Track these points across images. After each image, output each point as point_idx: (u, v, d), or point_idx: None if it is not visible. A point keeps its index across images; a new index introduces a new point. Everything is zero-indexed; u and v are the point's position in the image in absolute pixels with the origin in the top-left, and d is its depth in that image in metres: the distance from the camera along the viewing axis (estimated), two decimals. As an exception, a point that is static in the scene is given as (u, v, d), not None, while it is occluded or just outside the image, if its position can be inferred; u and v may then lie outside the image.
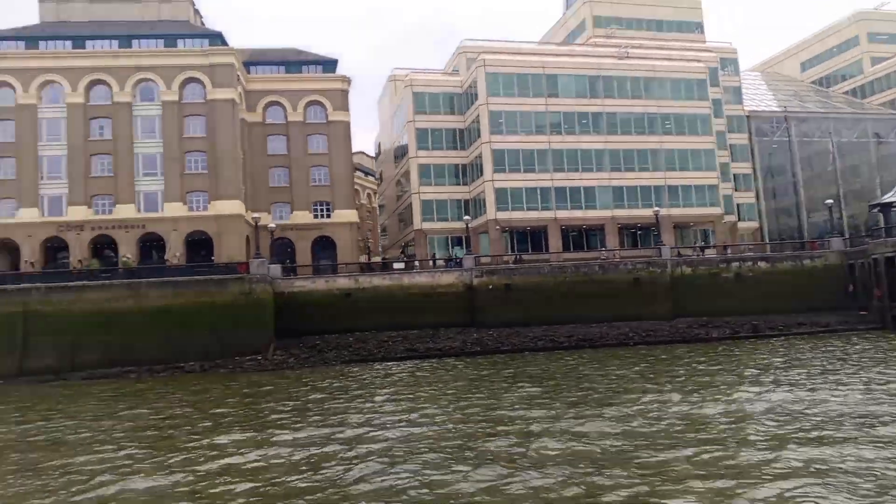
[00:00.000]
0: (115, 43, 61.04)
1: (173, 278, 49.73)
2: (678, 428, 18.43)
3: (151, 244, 60.03)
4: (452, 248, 68.88)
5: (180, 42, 62.40)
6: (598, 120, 67.76)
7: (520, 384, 29.14)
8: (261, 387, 33.80)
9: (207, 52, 61.03)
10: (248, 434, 20.67)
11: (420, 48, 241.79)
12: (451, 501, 12.98)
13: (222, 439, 19.96)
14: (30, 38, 60.74)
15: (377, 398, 27.40)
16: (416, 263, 60.97)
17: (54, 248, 58.85)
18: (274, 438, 19.74)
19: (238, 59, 63.12)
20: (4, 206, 57.89)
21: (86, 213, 58.44)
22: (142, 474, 16.33)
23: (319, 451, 17.77)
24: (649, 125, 68.90)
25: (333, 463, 16.41)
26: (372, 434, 19.51)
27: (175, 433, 21.64)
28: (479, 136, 66.64)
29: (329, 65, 70.44)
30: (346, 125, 68.82)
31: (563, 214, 66.29)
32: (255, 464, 16.85)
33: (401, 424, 20.84)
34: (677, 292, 55.35)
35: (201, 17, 73.57)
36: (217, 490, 14.66)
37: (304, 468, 16.13)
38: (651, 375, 29.91)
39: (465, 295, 54.57)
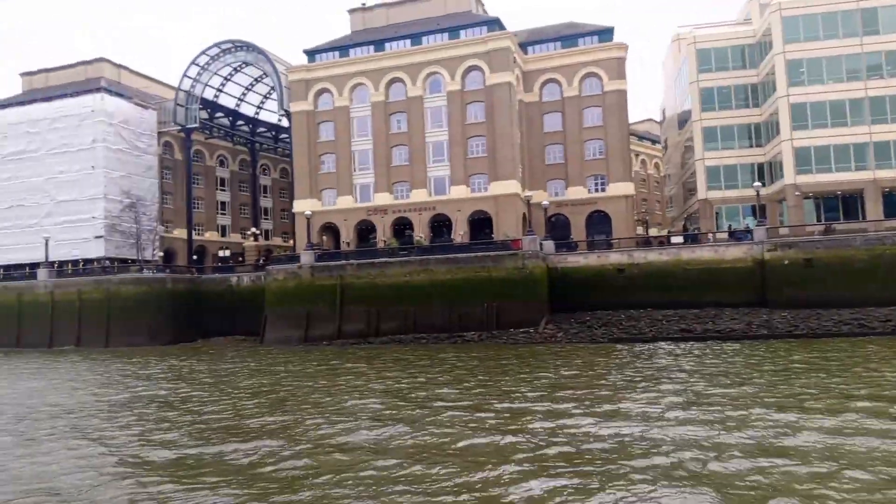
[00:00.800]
0: (407, 42, 67.72)
1: (455, 255, 54.07)
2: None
3: (441, 224, 65.87)
4: (743, 218, 62.60)
5: (462, 33, 66.65)
6: (936, 55, 55.00)
7: (800, 375, 25.66)
8: (521, 358, 35.09)
9: (486, 39, 64.16)
10: (491, 406, 21.80)
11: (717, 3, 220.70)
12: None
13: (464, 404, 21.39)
14: (342, 47, 70.63)
15: (627, 382, 26.55)
16: (710, 237, 56.81)
17: (365, 229, 68.20)
18: (496, 405, 20.51)
19: (514, 42, 65.17)
20: (327, 195, 68.85)
21: (388, 198, 66.53)
22: (364, 429, 18.29)
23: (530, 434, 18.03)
24: None
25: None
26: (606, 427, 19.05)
27: (426, 394, 23.76)
28: (774, 90, 59.07)
29: (605, 34, 68.72)
30: (622, 94, 66.64)
31: (885, 175, 55.59)
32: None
33: (647, 410, 20.02)
34: None
35: (482, 4, 77.28)
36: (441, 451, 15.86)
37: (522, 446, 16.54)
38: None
39: (755, 271, 49.42)
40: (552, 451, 15.24)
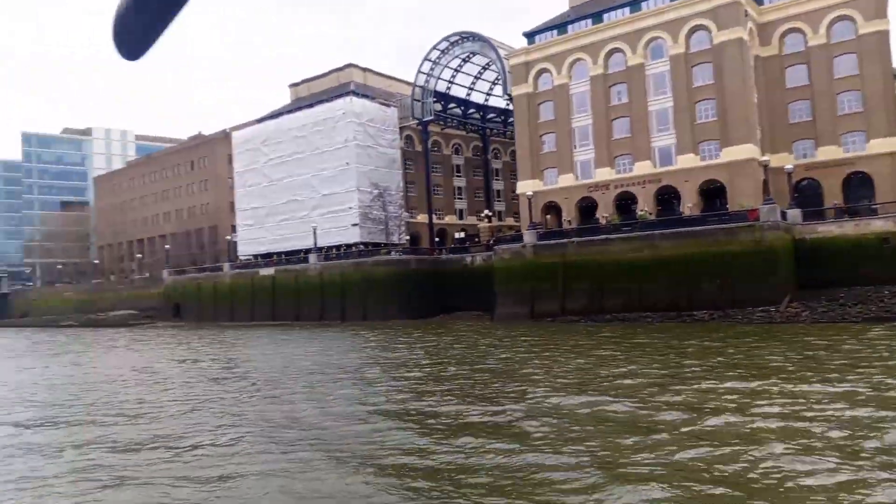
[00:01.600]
0: (626, 10, 65.36)
1: (682, 229, 51.68)
2: None
3: (668, 196, 62.90)
4: None
5: (685, -8, 62.42)
6: None
7: None
8: (751, 338, 32.86)
9: (712, -5, 59.39)
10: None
11: None
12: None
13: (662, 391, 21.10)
14: (559, 25, 70.50)
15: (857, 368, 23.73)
16: None
17: (588, 206, 67.71)
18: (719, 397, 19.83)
19: (745, -6, 59.45)
20: (549, 175, 69.70)
21: (610, 173, 65.29)
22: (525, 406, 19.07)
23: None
24: None
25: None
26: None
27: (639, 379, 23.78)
28: None
29: (862, -33, 59.21)
30: (884, 35, 56.79)
31: None
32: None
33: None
34: None
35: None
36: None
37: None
38: None
39: None
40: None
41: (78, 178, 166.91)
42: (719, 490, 10.77)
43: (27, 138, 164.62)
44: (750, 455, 12.38)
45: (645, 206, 61.87)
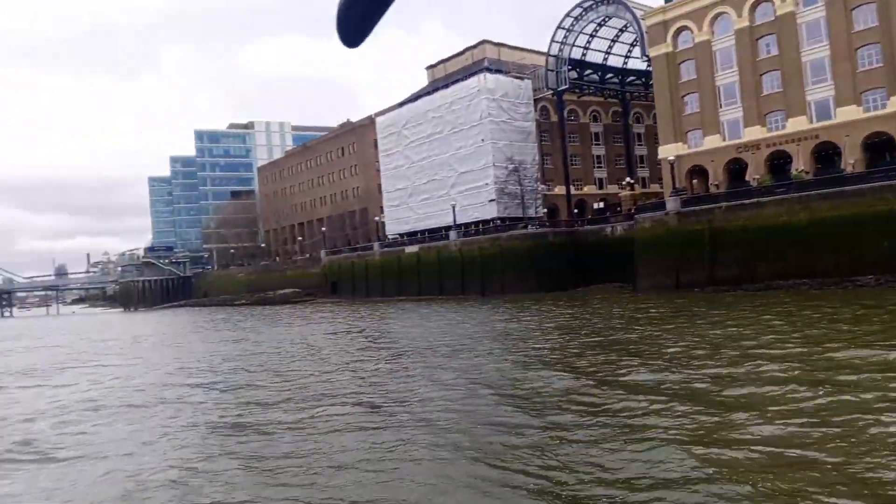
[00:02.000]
0: (774, -47, 60.03)
1: (843, 188, 47.61)
2: None
3: (827, 153, 57.59)
4: None
5: (843, -77, 56.23)
6: None
7: None
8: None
9: (876, -77, 53.06)
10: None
11: None
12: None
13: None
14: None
15: None
16: None
17: (736, 168, 63.59)
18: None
19: (919, -85, 52.41)
20: (693, 137, 66.19)
21: (760, 131, 60.77)
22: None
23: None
24: None
25: None
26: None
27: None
28: None
29: None
30: None
31: None
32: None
33: None
34: None
35: None
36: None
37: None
38: None
39: None
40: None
41: (244, 168, 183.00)
42: (822, 456, 10.54)
43: (199, 135, 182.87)
44: (861, 429, 11.86)
45: (801, 165, 57.18)
